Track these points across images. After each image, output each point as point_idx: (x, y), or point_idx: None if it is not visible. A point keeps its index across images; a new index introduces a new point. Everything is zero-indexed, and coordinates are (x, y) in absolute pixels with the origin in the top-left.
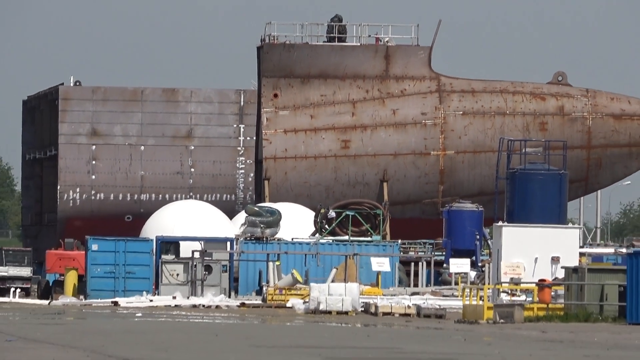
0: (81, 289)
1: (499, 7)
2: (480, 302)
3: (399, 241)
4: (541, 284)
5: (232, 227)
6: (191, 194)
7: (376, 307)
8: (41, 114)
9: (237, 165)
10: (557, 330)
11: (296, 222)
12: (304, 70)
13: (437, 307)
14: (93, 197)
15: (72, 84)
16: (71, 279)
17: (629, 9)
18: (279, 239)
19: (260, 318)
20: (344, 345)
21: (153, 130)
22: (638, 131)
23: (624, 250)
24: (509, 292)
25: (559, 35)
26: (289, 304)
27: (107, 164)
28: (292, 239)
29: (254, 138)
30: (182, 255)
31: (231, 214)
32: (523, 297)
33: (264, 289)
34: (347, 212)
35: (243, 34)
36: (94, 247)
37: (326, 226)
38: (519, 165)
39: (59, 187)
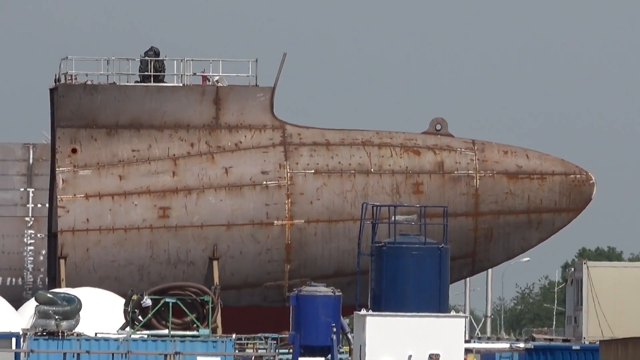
0: None
1: (358, 38)
2: None
3: (234, 336)
4: None
5: (18, 319)
6: None
7: None
8: None
9: (25, 240)
10: None
11: (101, 312)
12: (111, 119)
13: None
14: None
15: None
16: None
17: (521, 43)
18: (78, 334)
19: None
20: None
21: None
22: (538, 194)
23: (521, 345)
24: None
25: (437, 73)
26: None
27: None
28: (96, 334)
29: (47, 205)
30: None
31: (17, 303)
32: None
33: None
34: (167, 299)
35: (31, 73)
36: None
37: (140, 317)
38: (387, 237)
39: None
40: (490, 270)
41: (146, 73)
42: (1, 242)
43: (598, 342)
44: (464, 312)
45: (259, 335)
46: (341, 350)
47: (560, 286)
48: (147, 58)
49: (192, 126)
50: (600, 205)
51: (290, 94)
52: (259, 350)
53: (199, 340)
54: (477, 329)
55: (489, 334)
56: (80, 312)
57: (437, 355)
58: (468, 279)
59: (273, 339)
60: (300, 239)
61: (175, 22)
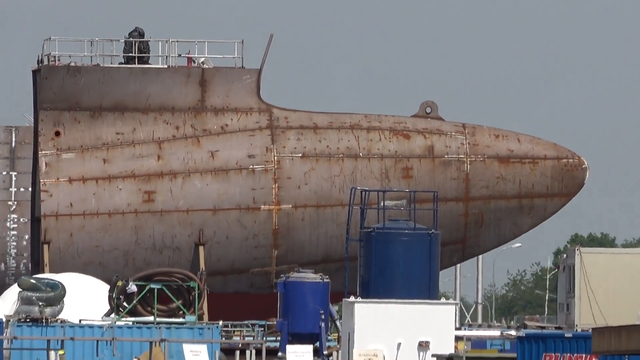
0: None
1: (347, 19)
2: None
3: (220, 323)
4: None
5: (0, 305)
6: None
7: None
8: None
9: (8, 224)
10: None
11: (85, 298)
12: (95, 101)
13: None
14: None
15: None
16: None
17: (512, 25)
18: (62, 321)
19: None
20: None
21: None
22: (530, 178)
23: (513, 332)
24: None
25: (427, 55)
26: None
27: None
28: (80, 320)
29: (30, 189)
30: None
31: (0, 289)
32: None
33: None
34: (152, 285)
35: (13, 54)
36: None
37: (125, 303)
38: (376, 223)
39: None
40: (480, 256)
41: (130, 54)
42: None
43: (590, 330)
44: (454, 299)
45: (246, 322)
46: (330, 337)
47: (552, 273)
48: (131, 39)
49: (177, 109)
50: (593, 190)
51: (277, 76)
52: (246, 338)
53: (185, 327)
54: (468, 316)
55: (479, 321)
56: (64, 298)
57: (427, 343)
58: (458, 265)
59: (260, 326)
60: (288, 224)
61: (160, 3)
